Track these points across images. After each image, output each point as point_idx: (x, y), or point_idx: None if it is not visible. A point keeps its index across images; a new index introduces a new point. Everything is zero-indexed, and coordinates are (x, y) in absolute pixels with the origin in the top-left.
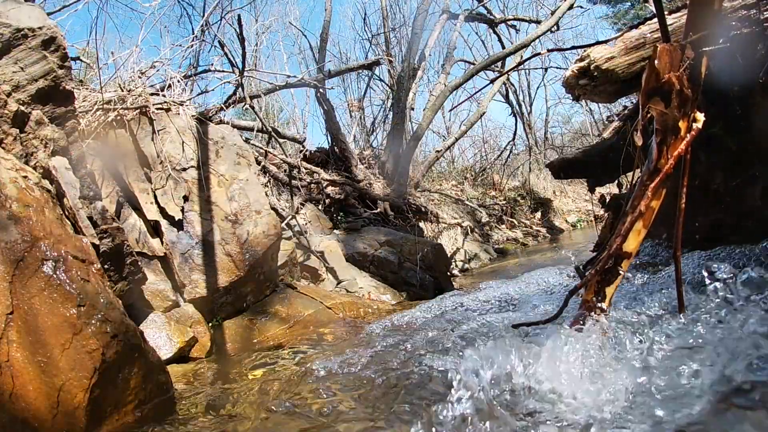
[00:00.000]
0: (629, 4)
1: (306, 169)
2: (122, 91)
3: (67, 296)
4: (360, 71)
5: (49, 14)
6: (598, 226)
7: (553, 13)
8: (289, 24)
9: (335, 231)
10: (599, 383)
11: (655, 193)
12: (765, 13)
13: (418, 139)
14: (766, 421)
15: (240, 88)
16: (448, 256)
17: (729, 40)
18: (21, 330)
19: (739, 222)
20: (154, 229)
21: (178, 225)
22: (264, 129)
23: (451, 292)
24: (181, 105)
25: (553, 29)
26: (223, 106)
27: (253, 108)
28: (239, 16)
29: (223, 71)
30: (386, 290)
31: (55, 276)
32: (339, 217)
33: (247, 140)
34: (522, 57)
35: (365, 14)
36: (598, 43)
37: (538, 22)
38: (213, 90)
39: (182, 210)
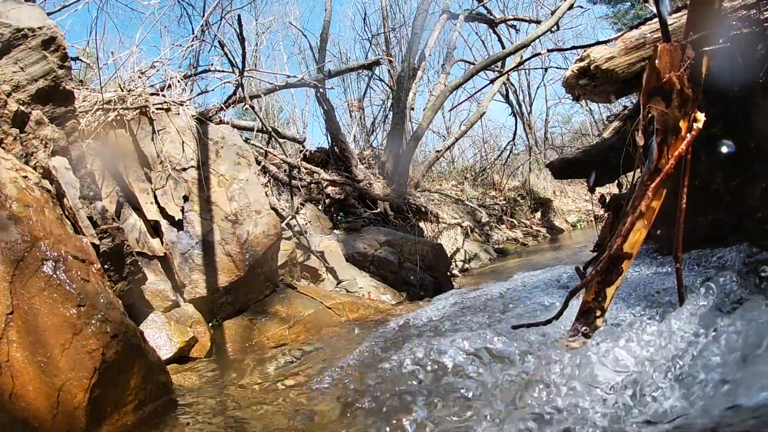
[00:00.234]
0: (629, 4)
1: (306, 169)
2: (122, 91)
3: (67, 296)
4: (360, 71)
5: (49, 14)
6: (598, 226)
7: (553, 13)
8: (289, 24)
9: (335, 231)
10: None
11: (656, 194)
12: (765, 13)
13: (418, 139)
14: None
15: (240, 88)
16: (448, 256)
17: (729, 40)
18: (21, 330)
19: (739, 222)
20: (154, 229)
21: (178, 225)
22: (264, 129)
23: (450, 291)
24: (181, 105)
25: (553, 29)
26: (223, 106)
27: (253, 108)
28: (239, 16)
29: (223, 71)
30: (386, 290)
31: (55, 276)
32: (339, 217)
33: (247, 140)
34: (522, 57)
35: (365, 14)
36: (598, 43)
37: (538, 22)
38: (213, 90)
39: (182, 210)
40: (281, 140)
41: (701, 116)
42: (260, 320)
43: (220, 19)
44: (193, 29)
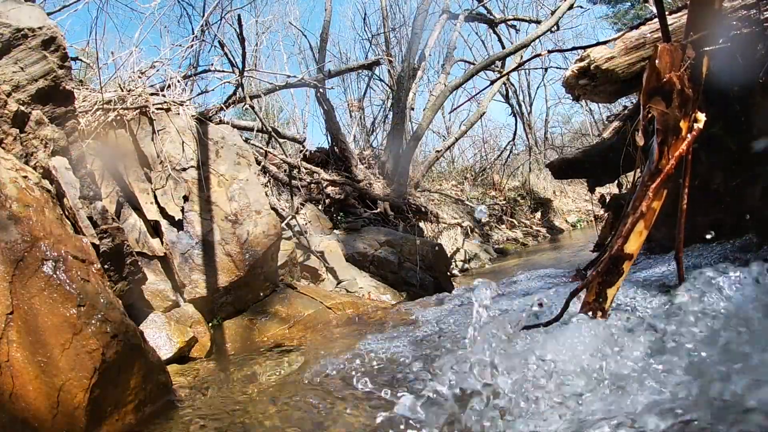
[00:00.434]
0: (629, 4)
1: (306, 169)
2: (122, 91)
3: (67, 296)
4: (360, 71)
5: (49, 14)
6: (598, 226)
7: (553, 13)
8: (289, 24)
9: (335, 231)
10: None
11: (657, 194)
12: (765, 13)
13: (418, 139)
14: None
15: (240, 88)
16: (448, 256)
17: (729, 40)
18: (21, 330)
19: (739, 222)
20: (154, 229)
21: (178, 225)
22: (264, 129)
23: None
24: (181, 105)
25: (553, 29)
26: (223, 106)
27: (253, 108)
28: (239, 16)
29: (223, 71)
30: (386, 290)
31: (55, 276)
32: (339, 217)
33: (247, 140)
34: (522, 57)
35: (365, 14)
36: (599, 43)
37: (538, 22)
38: (213, 90)
39: (182, 210)
40: (281, 140)
41: (702, 116)
42: (260, 320)
43: (220, 19)
44: (193, 29)
